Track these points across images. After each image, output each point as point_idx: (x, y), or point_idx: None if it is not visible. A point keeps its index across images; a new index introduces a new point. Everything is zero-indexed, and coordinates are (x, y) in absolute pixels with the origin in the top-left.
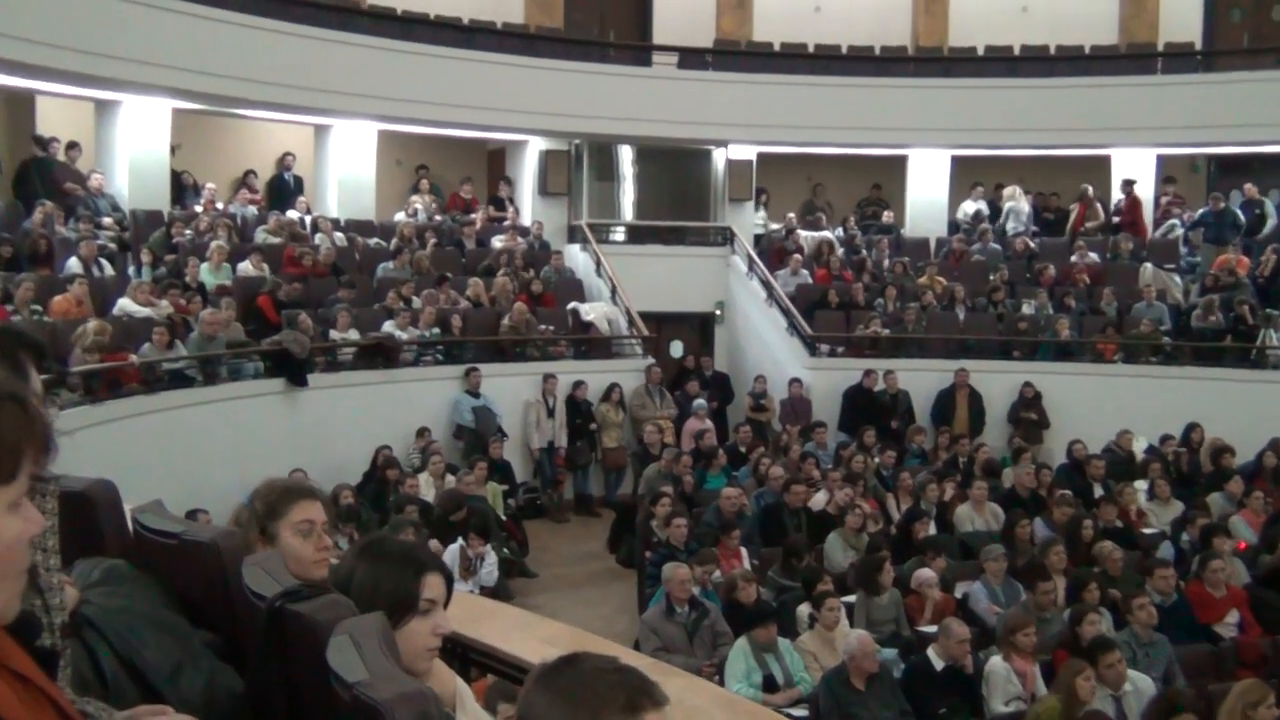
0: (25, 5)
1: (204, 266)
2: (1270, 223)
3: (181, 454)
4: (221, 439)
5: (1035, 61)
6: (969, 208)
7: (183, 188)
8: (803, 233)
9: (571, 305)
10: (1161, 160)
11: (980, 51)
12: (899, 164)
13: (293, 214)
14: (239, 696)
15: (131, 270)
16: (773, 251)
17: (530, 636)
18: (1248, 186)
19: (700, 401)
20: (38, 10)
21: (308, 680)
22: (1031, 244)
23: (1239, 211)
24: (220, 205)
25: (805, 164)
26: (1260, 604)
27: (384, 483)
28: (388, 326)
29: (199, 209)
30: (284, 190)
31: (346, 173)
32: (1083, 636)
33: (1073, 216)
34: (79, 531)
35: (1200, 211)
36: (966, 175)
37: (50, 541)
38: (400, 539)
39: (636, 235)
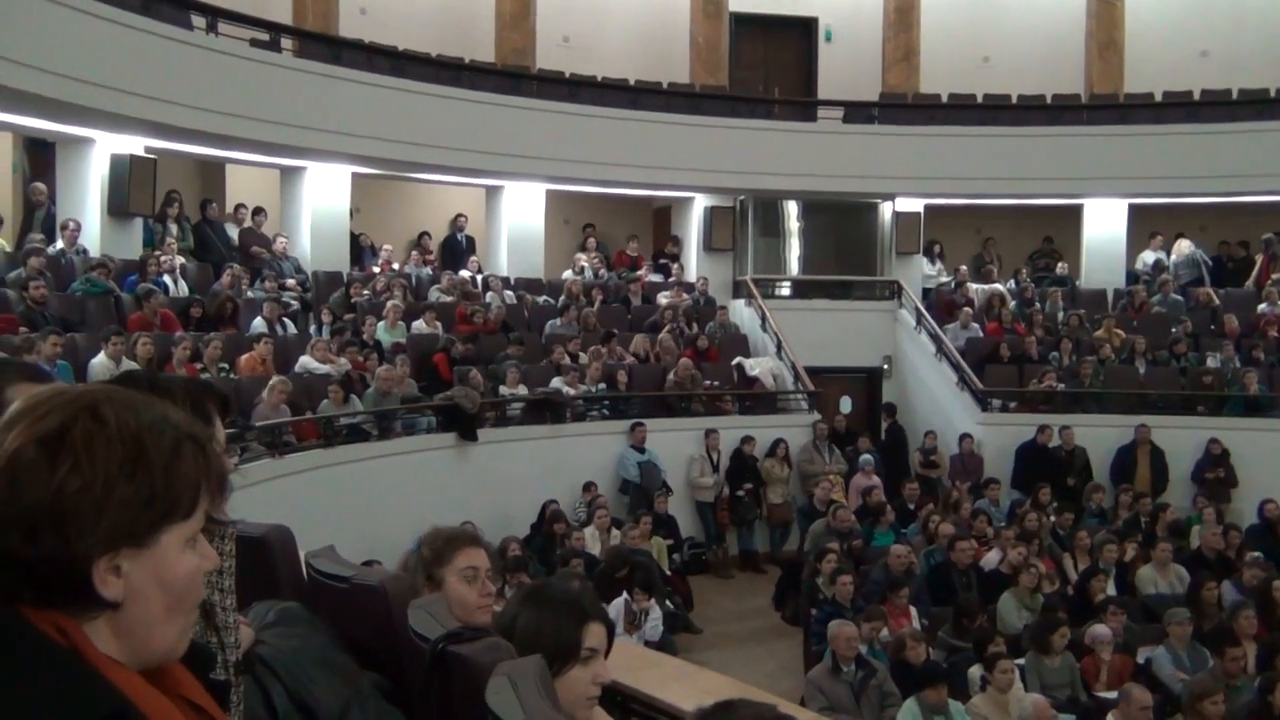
0: (217, 80)
1: (380, 325)
2: None
3: (356, 505)
4: (395, 491)
5: (1216, 106)
6: (1148, 257)
7: (361, 249)
8: (973, 285)
9: (736, 360)
10: None
11: (1158, 97)
12: (1073, 214)
13: (465, 273)
14: None
15: (313, 329)
16: (941, 305)
17: (690, 687)
18: None
19: (867, 457)
20: (228, 85)
21: None
22: (1214, 295)
23: None
24: (396, 266)
25: (974, 216)
26: None
27: (550, 536)
28: (555, 382)
29: (376, 269)
30: (456, 250)
31: (516, 232)
32: (1276, 706)
33: (1258, 265)
34: (256, 575)
35: None
36: (1144, 224)
37: (227, 582)
38: (565, 587)
39: (802, 290)
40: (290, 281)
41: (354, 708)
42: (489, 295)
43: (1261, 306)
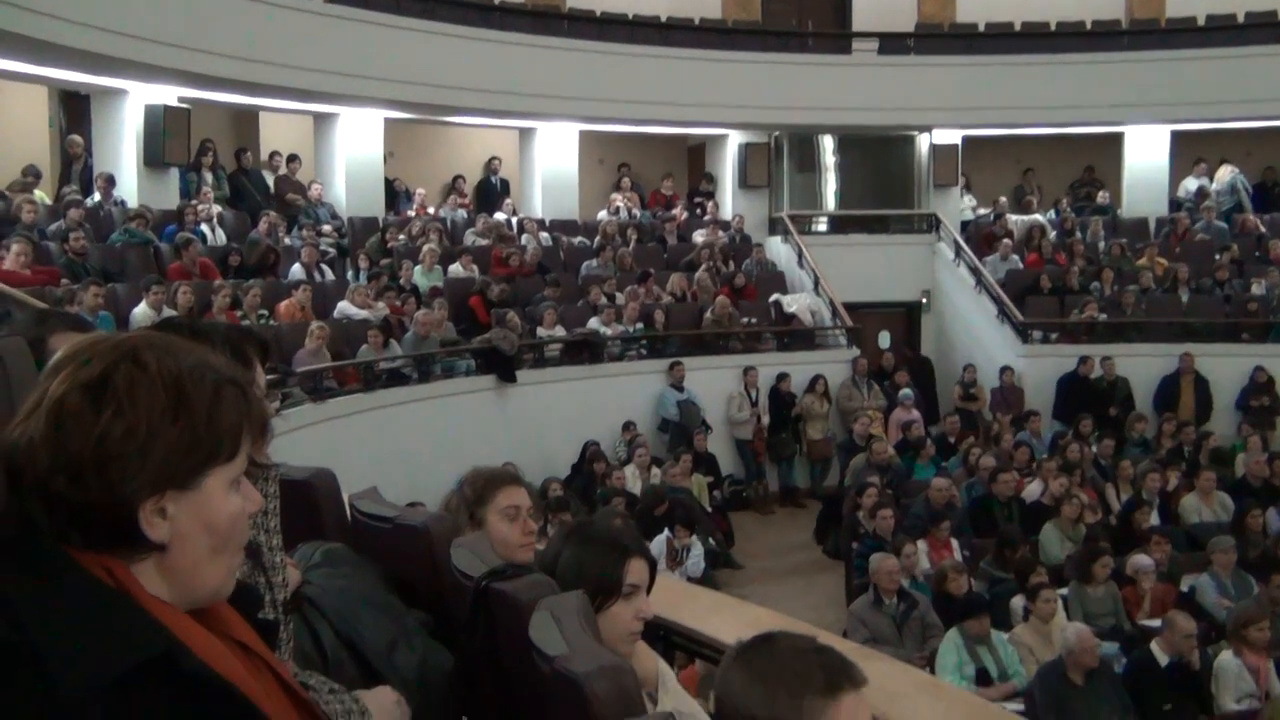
0: (248, 28)
1: (417, 269)
2: None
3: (397, 449)
4: (435, 434)
5: (1260, 29)
6: (1190, 184)
7: (395, 194)
8: (1012, 217)
9: (774, 297)
10: None
11: (1200, 21)
12: (1114, 142)
13: (500, 216)
14: (449, 672)
15: (350, 275)
16: (981, 237)
17: (732, 620)
18: None
19: (907, 391)
20: (260, 33)
21: (511, 655)
22: (1259, 221)
23: None
24: (431, 210)
25: (1013, 147)
26: None
27: (591, 475)
28: (593, 323)
29: (411, 214)
30: (491, 193)
31: (550, 174)
32: None
33: None
34: (301, 517)
35: None
36: (1188, 151)
37: (273, 523)
38: (607, 524)
39: (839, 225)
40: (326, 228)
41: (400, 645)
42: (524, 237)
43: None
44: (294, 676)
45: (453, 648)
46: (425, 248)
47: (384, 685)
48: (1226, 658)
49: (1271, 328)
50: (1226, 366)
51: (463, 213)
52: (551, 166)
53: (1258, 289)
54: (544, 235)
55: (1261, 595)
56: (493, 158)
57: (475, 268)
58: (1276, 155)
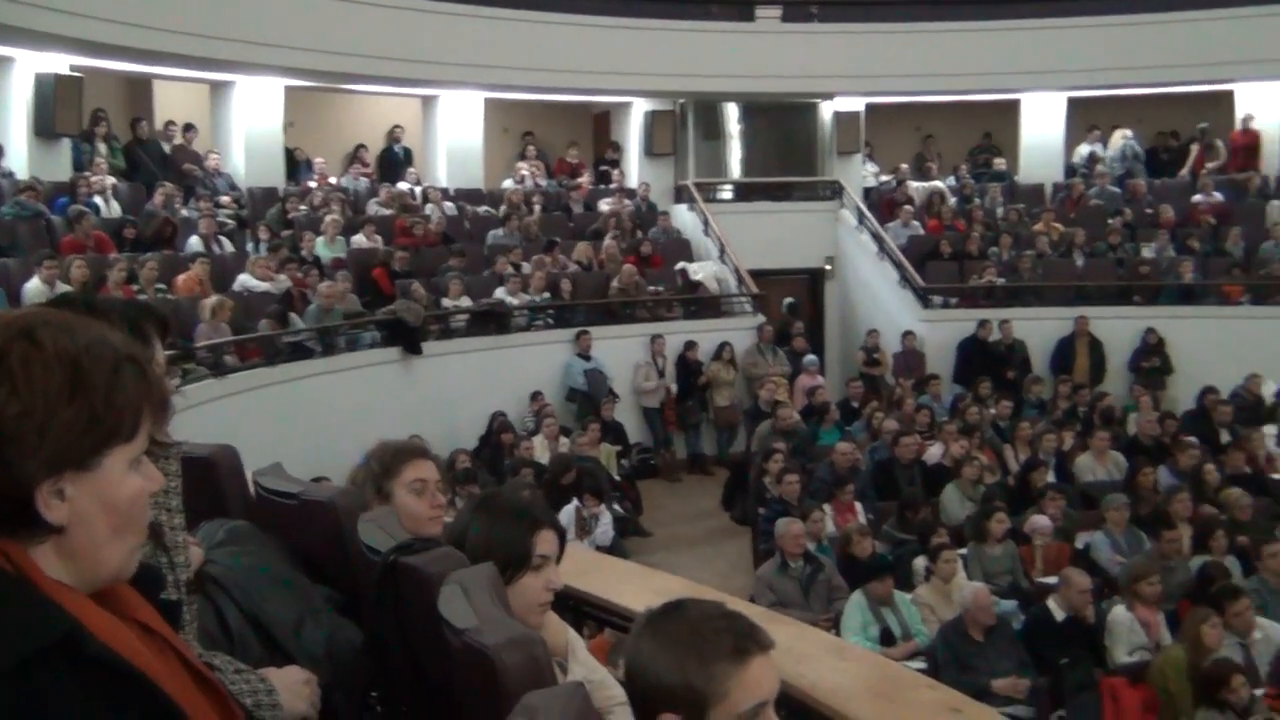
0: None
1: (319, 240)
2: None
3: (302, 424)
4: (340, 408)
5: None
6: (1085, 151)
7: (296, 164)
8: (913, 183)
9: (680, 265)
10: None
11: None
12: (1011, 109)
13: (403, 186)
14: (358, 648)
15: (250, 246)
16: (883, 204)
17: (642, 588)
18: None
19: (812, 358)
20: None
21: (421, 630)
22: (1146, 186)
23: None
24: (333, 180)
25: (913, 114)
26: None
27: (499, 447)
28: (499, 293)
29: (312, 184)
30: (394, 162)
31: (454, 143)
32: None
33: (1192, 156)
34: (203, 495)
35: None
36: (1082, 117)
37: (174, 502)
38: (515, 496)
39: (743, 193)
40: (225, 199)
41: (308, 621)
42: (428, 207)
43: (1196, 196)
44: (199, 657)
45: (361, 623)
46: (327, 218)
47: (292, 664)
48: (1119, 612)
49: (1162, 290)
50: (1119, 329)
51: (365, 182)
52: (455, 135)
53: (1148, 252)
54: (448, 205)
55: (1153, 551)
56: (395, 126)
57: (379, 238)
58: (1167, 121)
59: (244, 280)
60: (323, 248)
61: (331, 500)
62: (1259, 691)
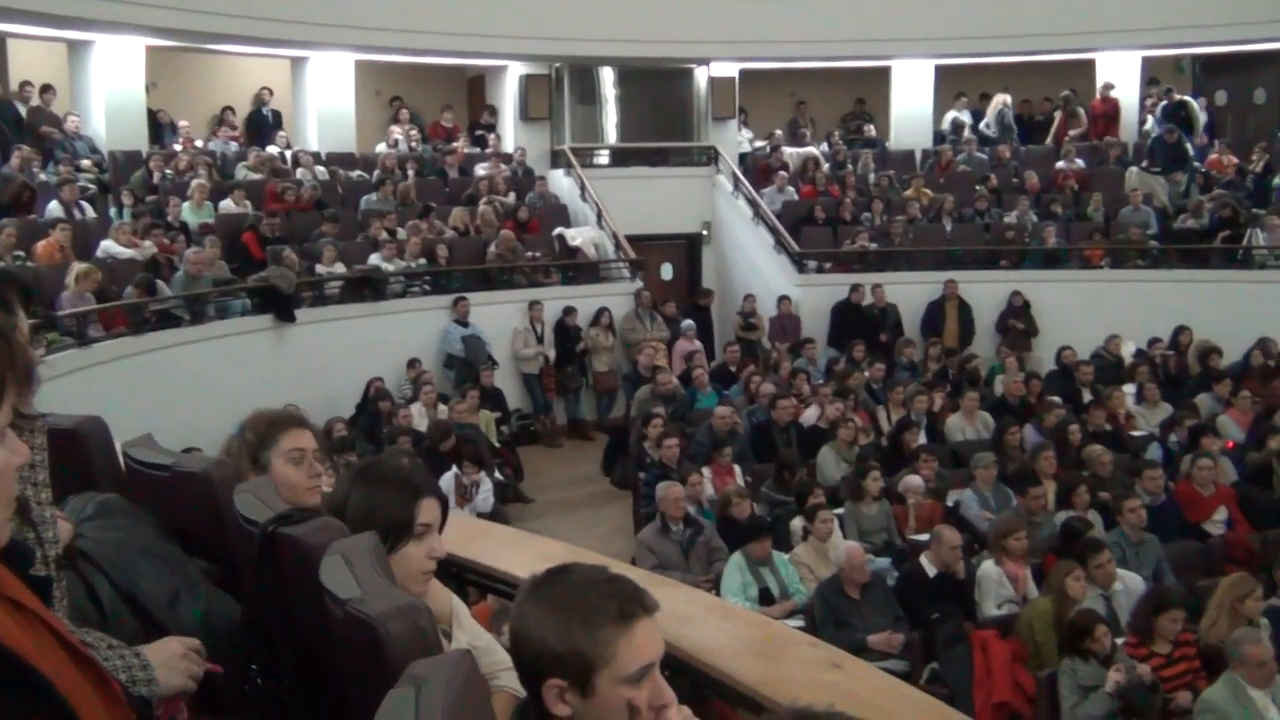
0: None
1: (186, 205)
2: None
3: (172, 394)
4: (212, 377)
5: None
6: (953, 118)
7: (160, 127)
8: (787, 149)
9: (557, 231)
10: (1147, 61)
11: None
12: (882, 76)
13: (273, 149)
14: (236, 621)
15: (113, 212)
16: (758, 169)
17: (525, 554)
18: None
19: (689, 323)
20: None
21: (302, 602)
22: (1013, 152)
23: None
24: (199, 143)
25: (788, 80)
26: (1248, 501)
27: (376, 415)
28: (374, 259)
29: (177, 148)
30: (262, 126)
31: (325, 106)
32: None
33: (1056, 123)
34: (71, 468)
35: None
36: (950, 85)
37: (40, 476)
38: (396, 464)
39: (620, 158)
40: (85, 163)
41: (183, 595)
42: (299, 171)
43: (1059, 163)
44: (72, 633)
45: (239, 596)
46: (194, 183)
47: (169, 637)
48: (988, 566)
49: (1027, 254)
50: (986, 292)
51: (233, 146)
52: (326, 98)
53: (1013, 218)
54: (320, 169)
55: (1019, 507)
56: (263, 88)
57: (248, 203)
58: (1032, 89)
59: (107, 247)
60: (189, 213)
61: (205, 471)
62: (1120, 640)
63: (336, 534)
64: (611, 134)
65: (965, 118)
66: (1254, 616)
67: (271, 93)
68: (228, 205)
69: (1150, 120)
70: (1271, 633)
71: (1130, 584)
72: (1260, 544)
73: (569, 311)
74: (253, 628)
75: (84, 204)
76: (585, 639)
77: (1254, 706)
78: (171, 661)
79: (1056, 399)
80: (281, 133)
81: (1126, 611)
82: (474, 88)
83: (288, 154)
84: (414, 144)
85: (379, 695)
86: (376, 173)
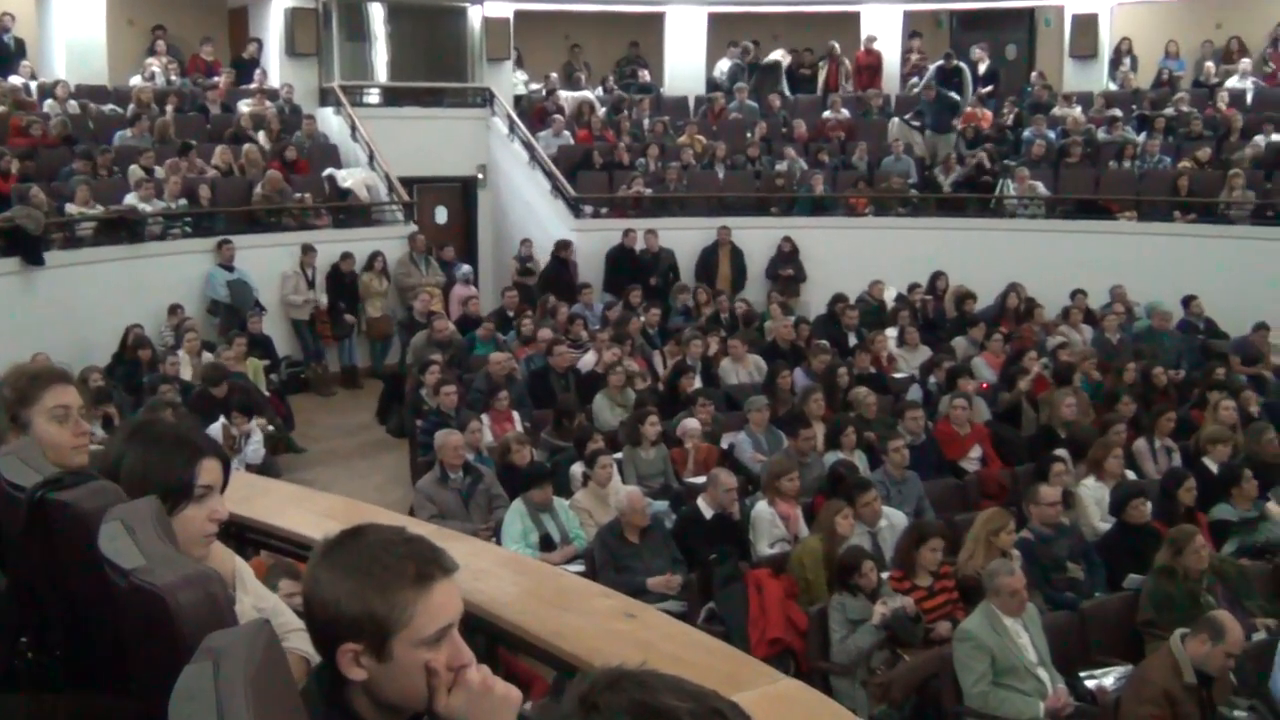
0: None
1: None
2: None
3: None
4: None
5: None
6: (725, 65)
7: None
8: (563, 93)
9: (328, 172)
10: (908, 16)
11: None
12: (656, 22)
13: (16, 80)
14: (2, 593)
15: None
16: (534, 113)
17: (306, 511)
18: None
19: (466, 268)
20: None
21: (77, 571)
22: (781, 100)
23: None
24: None
25: (563, 22)
26: (1000, 439)
27: (136, 363)
28: (130, 199)
29: None
30: (4, 54)
31: (74, 35)
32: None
33: (824, 74)
34: None
35: (934, 66)
36: (723, 33)
37: None
38: (172, 422)
39: (392, 97)
40: None
41: None
42: (47, 104)
43: (826, 113)
44: None
45: (4, 567)
46: None
47: None
48: (762, 507)
49: (795, 201)
50: (757, 238)
51: None
52: (74, 27)
53: (782, 165)
54: (71, 103)
55: (791, 449)
56: (4, 13)
57: None
58: (802, 39)
59: None
60: None
61: None
62: (885, 575)
63: (113, 498)
64: (382, 72)
65: (738, 65)
66: (1007, 549)
67: (14, 18)
68: None
69: (919, 79)
70: (1023, 563)
71: (894, 520)
72: (1011, 480)
73: (346, 257)
74: (22, 600)
75: None
76: (381, 602)
77: (1008, 634)
78: None
79: (824, 343)
80: (26, 62)
81: (891, 546)
82: (236, 20)
83: (33, 85)
84: (173, 77)
85: (170, 669)
86: (131, 107)
